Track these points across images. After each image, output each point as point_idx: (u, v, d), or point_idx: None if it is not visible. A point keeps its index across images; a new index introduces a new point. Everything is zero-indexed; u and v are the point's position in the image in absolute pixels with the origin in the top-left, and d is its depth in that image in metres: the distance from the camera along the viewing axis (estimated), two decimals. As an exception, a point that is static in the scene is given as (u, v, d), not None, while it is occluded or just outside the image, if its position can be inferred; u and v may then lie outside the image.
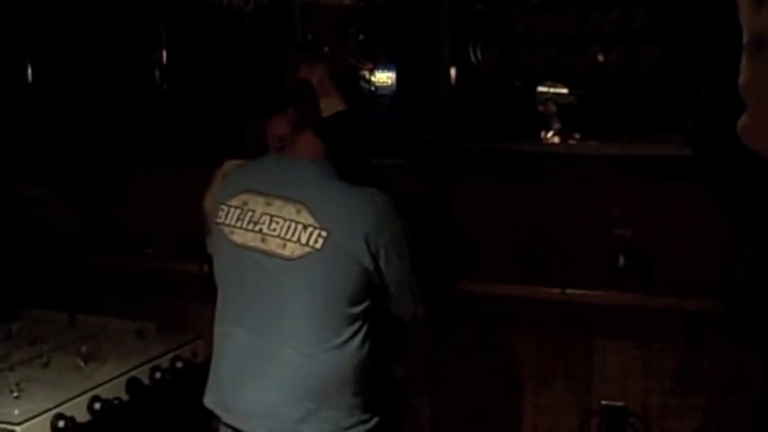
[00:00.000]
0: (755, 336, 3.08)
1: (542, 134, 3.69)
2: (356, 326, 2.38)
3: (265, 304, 2.37)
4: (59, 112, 4.10)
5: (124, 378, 3.03)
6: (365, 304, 2.38)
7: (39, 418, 2.65)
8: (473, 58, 3.73)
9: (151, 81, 4.08)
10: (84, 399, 2.84)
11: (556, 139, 3.64)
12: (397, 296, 2.43)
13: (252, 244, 2.38)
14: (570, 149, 3.57)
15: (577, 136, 3.63)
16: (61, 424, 2.69)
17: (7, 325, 3.43)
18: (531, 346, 3.45)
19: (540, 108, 3.68)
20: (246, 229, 2.39)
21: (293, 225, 2.32)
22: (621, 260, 3.31)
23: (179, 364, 3.25)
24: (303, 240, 2.31)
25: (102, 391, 2.91)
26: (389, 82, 3.83)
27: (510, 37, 3.67)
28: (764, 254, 3.11)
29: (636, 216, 3.34)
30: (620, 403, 3.36)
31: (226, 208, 2.46)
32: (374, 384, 2.46)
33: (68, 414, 2.72)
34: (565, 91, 3.70)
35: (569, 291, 3.22)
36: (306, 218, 2.31)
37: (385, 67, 3.83)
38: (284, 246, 2.33)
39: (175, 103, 4.02)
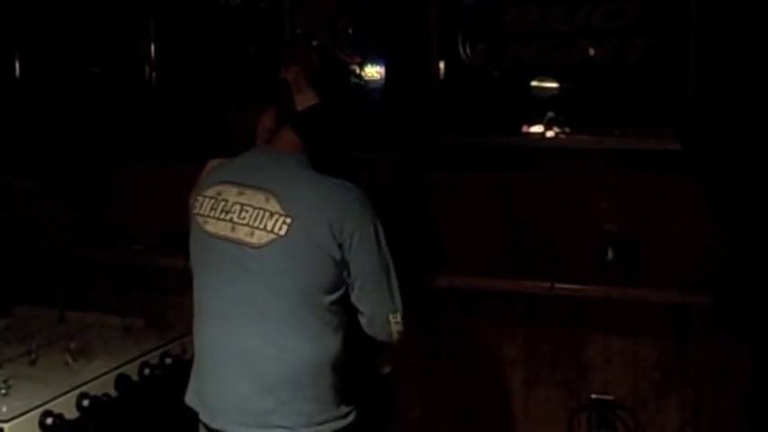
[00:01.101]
0: (743, 329, 3.09)
1: (531, 128, 3.71)
2: (329, 316, 2.36)
3: (234, 294, 2.37)
4: (48, 107, 4.08)
5: (113, 374, 3.01)
6: (336, 295, 2.36)
7: (27, 416, 2.64)
8: (462, 53, 3.73)
9: (140, 76, 4.07)
10: (73, 395, 2.82)
11: (547, 133, 3.64)
12: (364, 294, 2.38)
13: (222, 233, 2.38)
14: (559, 143, 3.58)
15: (567, 130, 3.63)
16: (49, 421, 2.67)
17: (-5, 322, 3.43)
18: (520, 341, 3.46)
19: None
20: (218, 219, 2.40)
21: (261, 213, 2.34)
22: (610, 254, 3.32)
23: (168, 360, 3.23)
24: (269, 227, 2.32)
25: (91, 388, 2.90)
26: (378, 76, 3.83)
27: (498, 31, 3.68)
28: (752, 247, 3.12)
29: (624, 210, 3.35)
30: (610, 397, 3.37)
31: (201, 198, 2.47)
32: (352, 378, 2.45)
33: (57, 411, 2.71)
34: (556, 85, 3.71)
35: (558, 285, 3.22)
36: (273, 205, 2.33)
37: (374, 61, 3.82)
38: (252, 234, 2.33)
39: (164, 98, 4.01)
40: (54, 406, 2.72)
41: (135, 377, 3.09)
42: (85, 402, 2.84)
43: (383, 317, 2.40)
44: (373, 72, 3.84)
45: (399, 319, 2.42)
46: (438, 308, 3.40)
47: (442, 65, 3.72)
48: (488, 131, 3.67)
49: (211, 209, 2.42)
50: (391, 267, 2.41)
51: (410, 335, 2.48)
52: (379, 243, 2.38)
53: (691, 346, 3.27)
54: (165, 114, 4.00)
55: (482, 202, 3.46)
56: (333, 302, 2.36)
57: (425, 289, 3.31)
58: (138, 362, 3.14)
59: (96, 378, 2.95)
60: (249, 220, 2.35)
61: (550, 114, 3.66)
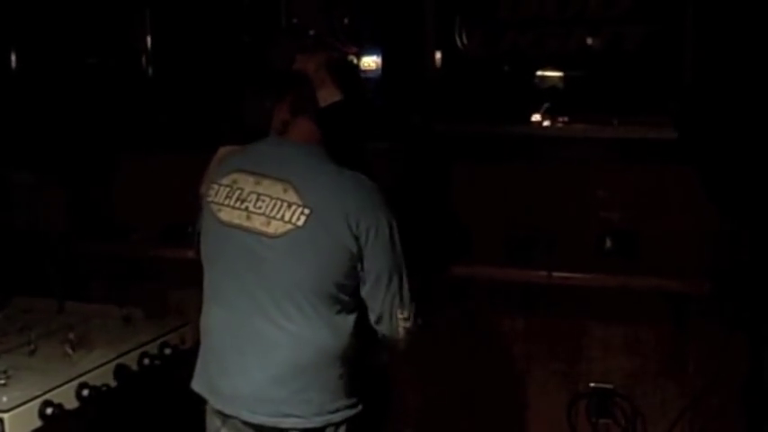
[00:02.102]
0: (741, 317, 3.10)
1: (529, 117, 3.71)
2: (343, 307, 2.37)
3: (248, 282, 2.37)
4: (45, 98, 4.07)
5: (112, 365, 3.00)
6: (351, 286, 2.37)
7: (26, 406, 2.64)
8: (458, 42, 3.74)
9: (137, 67, 4.07)
10: (73, 386, 2.81)
11: (543, 122, 3.65)
12: (376, 290, 2.38)
13: (237, 221, 2.38)
14: (557, 132, 3.58)
15: (564, 119, 3.64)
16: (49, 411, 2.67)
17: (-5, 312, 3.43)
18: (518, 329, 3.47)
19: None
20: (233, 207, 2.39)
21: (278, 203, 2.33)
22: (608, 243, 3.33)
23: (167, 351, 3.23)
24: (286, 218, 2.31)
25: (91, 378, 2.89)
26: (375, 66, 3.82)
27: (494, 20, 3.68)
28: (749, 235, 3.13)
29: (622, 199, 3.36)
30: (608, 385, 3.38)
31: (216, 186, 2.46)
32: (360, 369, 2.46)
33: (56, 401, 2.70)
34: (560, 74, 3.72)
35: (556, 273, 3.23)
36: (291, 196, 2.32)
37: (370, 51, 3.82)
38: (268, 223, 2.33)
39: (161, 88, 4.00)
40: (54, 396, 2.72)
41: (134, 367, 3.09)
42: (85, 392, 2.83)
43: (392, 313, 2.40)
44: (370, 62, 3.84)
45: (408, 316, 2.42)
46: (436, 296, 3.40)
47: (438, 54, 3.71)
48: (486, 120, 3.67)
49: (226, 197, 2.42)
50: (404, 265, 2.40)
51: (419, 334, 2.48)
52: (393, 240, 2.37)
53: (689, 334, 3.28)
54: (162, 104, 3.99)
55: (480, 191, 3.47)
56: (347, 294, 2.36)
57: (423, 277, 3.31)
58: (137, 352, 3.13)
59: (96, 368, 2.95)
60: (266, 209, 2.34)
61: (546, 105, 3.67)
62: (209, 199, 2.46)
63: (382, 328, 2.43)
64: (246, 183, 2.40)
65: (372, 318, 2.42)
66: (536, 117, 3.69)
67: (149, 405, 3.06)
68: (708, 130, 3.29)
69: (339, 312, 2.36)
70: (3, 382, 2.75)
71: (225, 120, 2.86)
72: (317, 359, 2.34)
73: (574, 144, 3.50)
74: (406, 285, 2.41)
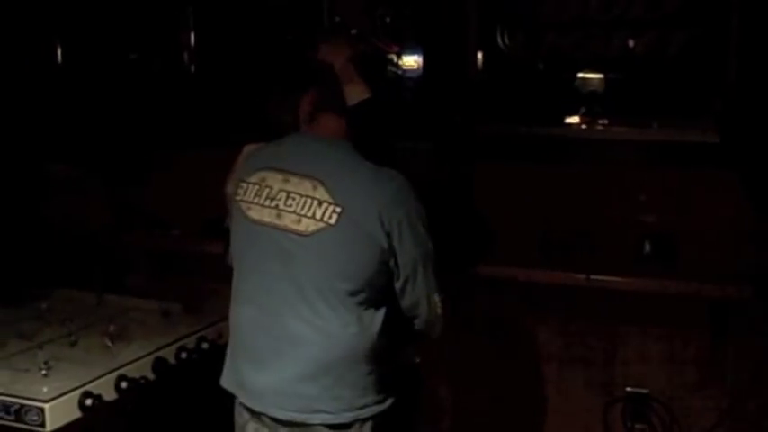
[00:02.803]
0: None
1: (568, 119, 3.70)
2: (374, 304, 2.38)
3: (279, 280, 2.37)
4: (89, 93, 4.12)
5: (150, 357, 3.05)
6: (382, 283, 2.38)
7: (67, 396, 2.68)
8: (500, 42, 3.73)
9: (179, 63, 4.10)
10: (112, 377, 2.86)
11: (583, 125, 3.63)
12: (411, 280, 2.40)
13: (267, 220, 2.38)
14: (598, 135, 3.56)
15: (605, 121, 3.62)
16: (89, 402, 2.71)
17: (37, 304, 3.47)
18: (555, 332, 3.45)
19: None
20: (263, 205, 2.40)
21: (309, 201, 2.33)
22: (647, 247, 3.30)
23: (204, 345, 3.27)
24: (318, 216, 2.31)
25: (129, 370, 2.94)
26: (416, 65, 3.82)
27: (537, 21, 3.66)
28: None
29: (662, 202, 3.33)
30: (644, 390, 3.35)
31: (245, 185, 2.47)
32: (389, 366, 2.46)
33: (96, 392, 2.75)
34: (599, 76, 3.69)
35: (594, 277, 3.21)
36: (322, 194, 2.32)
37: (412, 50, 3.82)
38: (299, 221, 2.33)
39: (202, 85, 4.03)
40: (93, 387, 2.76)
41: (172, 360, 3.13)
42: (123, 384, 2.88)
43: (429, 296, 2.42)
44: (411, 61, 3.84)
45: (438, 300, 2.45)
46: (474, 298, 3.40)
47: (479, 55, 3.70)
48: (526, 122, 3.66)
49: (255, 195, 2.42)
50: (432, 252, 2.42)
51: (448, 325, 2.49)
52: (424, 231, 2.38)
53: (727, 340, 3.24)
54: (203, 101, 4.02)
55: (519, 193, 3.45)
56: (377, 290, 2.37)
57: (462, 279, 3.31)
58: (174, 346, 3.17)
59: (134, 361, 2.99)
60: (296, 207, 2.34)
61: (583, 109, 3.65)
62: (238, 198, 2.46)
63: (420, 312, 2.45)
64: (275, 180, 2.40)
65: (407, 305, 2.43)
66: (575, 119, 3.67)
67: (186, 398, 3.09)
68: (751, 134, 3.26)
69: (368, 308, 2.37)
70: (44, 372, 2.80)
71: (255, 116, 2.85)
72: (346, 355, 2.34)
73: (614, 147, 3.48)
74: (435, 268, 2.43)
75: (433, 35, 3.72)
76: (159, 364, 3.06)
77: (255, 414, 2.45)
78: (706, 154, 3.28)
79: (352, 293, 2.33)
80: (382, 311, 2.40)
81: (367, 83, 2.67)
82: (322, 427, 2.36)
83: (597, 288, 3.23)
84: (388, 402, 2.45)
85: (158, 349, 3.11)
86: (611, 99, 3.60)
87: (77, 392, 2.71)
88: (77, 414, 2.70)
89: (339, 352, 2.34)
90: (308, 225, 2.32)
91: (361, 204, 2.31)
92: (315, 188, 2.33)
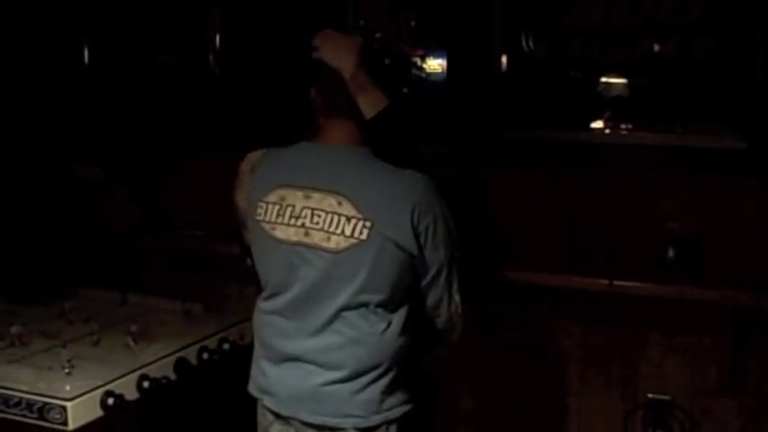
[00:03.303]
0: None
1: (592, 124, 3.68)
2: (404, 311, 2.39)
3: (310, 295, 2.36)
4: (115, 94, 4.15)
5: (172, 358, 3.08)
6: (408, 286, 2.38)
7: (89, 395, 2.71)
8: (525, 46, 3.71)
9: (204, 65, 4.12)
10: (134, 377, 2.89)
11: (606, 130, 3.61)
12: (434, 284, 2.41)
13: (295, 239, 2.35)
14: (622, 140, 3.54)
15: (629, 126, 3.60)
16: (111, 401, 2.74)
17: (61, 303, 3.51)
18: (577, 337, 3.43)
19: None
20: (288, 225, 2.36)
21: (336, 217, 2.30)
22: (671, 253, 3.27)
23: (226, 346, 3.29)
24: (348, 233, 2.29)
25: (151, 370, 2.97)
26: (440, 69, 3.82)
27: (562, 25, 3.65)
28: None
29: (687, 208, 3.30)
30: (667, 397, 3.33)
31: (264, 205, 2.42)
32: (413, 366, 2.47)
33: (118, 391, 2.78)
34: (624, 81, 3.67)
35: (617, 282, 3.19)
36: (348, 209, 2.29)
37: (436, 53, 3.81)
38: (329, 239, 2.30)
39: (228, 87, 4.05)
40: (115, 386, 2.80)
41: (194, 361, 3.16)
42: (146, 384, 2.91)
43: (451, 296, 2.44)
44: (435, 65, 3.84)
45: (459, 301, 2.46)
46: (494, 303, 3.39)
47: (504, 59, 3.69)
48: (550, 126, 3.65)
49: (278, 215, 2.38)
50: (458, 252, 2.43)
51: (469, 329, 2.49)
52: (450, 232, 2.38)
53: (750, 349, 3.21)
54: (229, 104, 4.03)
55: (542, 198, 3.44)
56: (404, 293, 2.38)
57: (483, 284, 3.30)
58: (196, 346, 3.20)
59: (156, 361, 3.03)
60: (323, 225, 2.31)
61: (608, 115, 3.64)
62: (259, 218, 2.43)
63: (441, 312, 2.46)
64: (296, 198, 2.36)
65: (430, 303, 2.44)
66: (599, 124, 3.66)
67: (208, 399, 3.11)
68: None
69: (401, 317, 2.38)
70: (67, 371, 2.83)
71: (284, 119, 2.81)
72: (375, 358, 2.36)
73: (638, 152, 3.45)
74: (458, 271, 2.44)
75: (458, 38, 3.71)
76: (181, 365, 3.09)
77: (282, 417, 2.47)
78: (732, 160, 3.25)
79: (385, 303, 2.34)
80: (407, 311, 2.40)
81: (383, 89, 2.43)
82: (353, 431, 2.37)
83: (620, 293, 3.21)
84: (411, 405, 2.46)
85: (180, 349, 3.14)
86: (636, 104, 3.58)
87: (100, 391, 2.74)
88: (99, 413, 2.73)
89: (369, 355, 2.35)
90: (338, 242, 2.30)
91: (389, 216, 2.29)
92: (339, 204, 2.31)
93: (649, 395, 3.35)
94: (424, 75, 3.84)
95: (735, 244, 3.21)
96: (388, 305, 2.36)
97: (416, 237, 2.30)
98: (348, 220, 2.29)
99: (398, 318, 2.39)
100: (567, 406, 3.51)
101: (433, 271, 2.39)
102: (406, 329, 2.40)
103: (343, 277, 2.32)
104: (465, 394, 3.63)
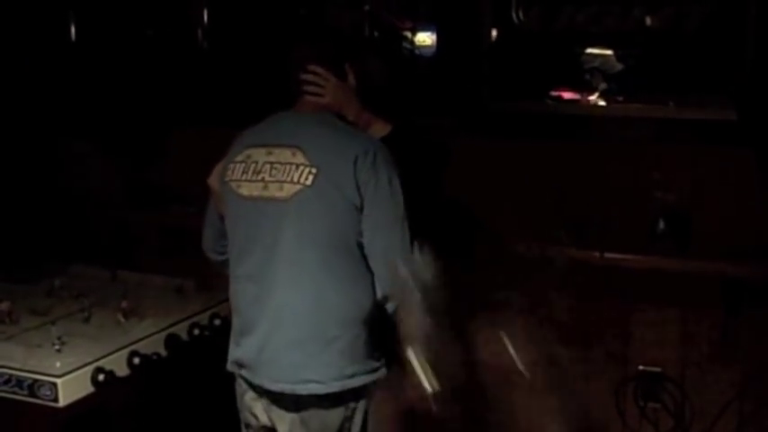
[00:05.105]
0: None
1: (584, 96, 3.67)
2: (358, 268, 2.40)
3: (269, 249, 2.43)
4: (103, 69, 4.12)
5: (163, 334, 3.08)
6: (359, 245, 2.40)
7: (79, 371, 2.71)
8: (515, 18, 3.70)
9: (192, 39, 4.08)
10: (124, 353, 2.89)
11: (599, 101, 3.60)
12: (374, 238, 2.41)
13: (256, 193, 2.45)
14: (613, 112, 3.53)
15: (620, 98, 3.58)
16: (101, 377, 2.74)
17: (50, 280, 3.50)
18: (567, 309, 3.43)
19: (587, 77, 3.64)
20: (251, 181, 2.46)
21: (288, 167, 2.40)
22: (662, 224, 3.27)
23: (217, 321, 3.29)
24: (295, 179, 2.38)
25: (142, 346, 2.97)
26: (430, 42, 3.80)
27: (551, -4, 3.63)
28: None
29: (678, 180, 3.29)
30: (657, 369, 3.33)
31: (232, 165, 2.54)
32: (377, 334, 2.46)
33: (108, 368, 2.78)
34: (610, 52, 3.65)
35: (608, 254, 3.19)
36: (299, 158, 2.39)
37: (425, 26, 3.79)
38: (281, 188, 2.40)
39: (216, 61, 4.02)
40: (106, 363, 2.79)
41: (184, 337, 3.15)
42: (136, 360, 2.90)
43: (390, 261, 2.42)
44: (425, 38, 3.81)
45: (406, 267, 2.41)
46: (485, 276, 3.38)
47: (494, 31, 3.67)
48: (541, 98, 3.63)
49: (243, 172, 2.49)
50: (404, 220, 2.44)
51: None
52: (393, 194, 2.42)
53: (741, 320, 3.21)
54: (217, 78, 4.01)
55: (533, 169, 3.42)
56: (360, 253, 2.41)
57: (472, 256, 3.30)
58: (187, 322, 3.20)
59: (147, 337, 3.03)
60: (278, 175, 2.41)
61: (604, 86, 3.62)
62: (227, 179, 2.53)
63: (381, 273, 2.44)
64: (259, 155, 2.46)
65: (375, 265, 2.44)
66: (591, 96, 3.64)
67: (198, 374, 3.11)
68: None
69: (355, 274, 2.41)
70: (57, 347, 2.83)
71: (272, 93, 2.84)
72: (334, 322, 2.38)
73: (629, 124, 3.44)
74: (407, 235, 2.43)
75: (447, 10, 3.68)
76: (172, 341, 3.08)
77: (252, 385, 2.48)
78: (722, 131, 3.24)
79: (336, 255, 2.38)
80: (365, 276, 2.40)
81: (382, 117, 2.69)
82: (313, 399, 2.37)
83: (611, 266, 3.21)
84: (380, 372, 2.46)
85: (171, 326, 3.14)
86: (627, 76, 3.57)
87: (90, 368, 2.74)
88: (90, 389, 2.73)
89: (325, 318, 2.38)
90: (288, 189, 2.39)
91: (334, 163, 2.38)
92: (294, 154, 2.40)
93: (640, 367, 3.36)
94: (413, 48, 3.82)
95: (725, 215, 3.21)
96: (345, 263, 2.38)
97: (358, 187, 2.36)
98: (297, 167, 2.39)
99: (356, 281, 2.40)
100: (559, 378, 3.50)
101: (370, 224, 2.40)
102: (364, 294, 2.40)
103: (294, 225, 2.39)
104: (452, 363, 3.59)
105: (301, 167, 2.38)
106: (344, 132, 2.49)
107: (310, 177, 2.36)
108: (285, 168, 2.40)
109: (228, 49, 4.02)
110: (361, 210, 2.38)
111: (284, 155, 2.42)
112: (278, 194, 2.40)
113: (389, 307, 2.46)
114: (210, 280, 3.60)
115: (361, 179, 2.37)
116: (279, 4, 3.90)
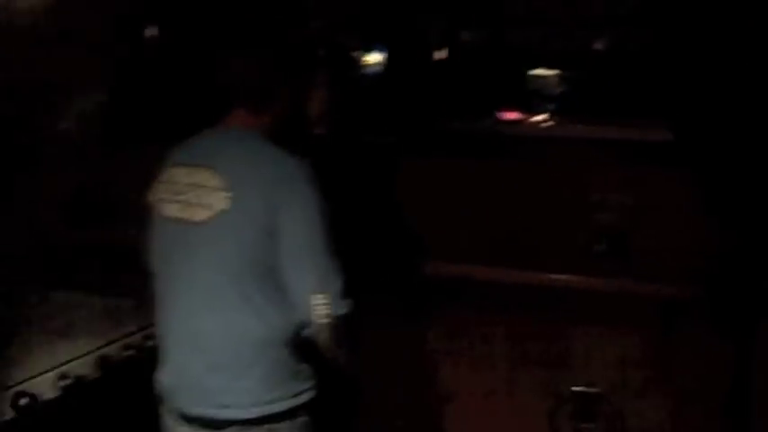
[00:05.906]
0: (731, 324, 3.05)
1: (529, 116, 3.68)
2: (271, 292, 2.35)
3: (184, 274, 2.40)
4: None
5: (95, 355, 3.03)
6: (276, 270, 2.35)
7: (-2, 396, 2.66)
8: (462, 38, 3.71)
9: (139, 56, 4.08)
10: (52, 375, 2.84)
11: (541, 122, 3.62)
12: (291, 268, 2.33)
13: (175, 215, 2.41)
14: (551, 132, 3.55)
15: (561, 119, 3.60)
16: (23, 401, 2.69)
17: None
18: (502, 331, 3.41)
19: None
20: (171, 201, 2.42)
21: (205, 190, 2.35)
22: (599, 245, 3.28)
23: (150, 343, 3.24)
24: (211, 204, 2.33)
25: (72, 368, 2.92)
26: (376, 61, 3.81)
27: (499, 17, 3.65)
28: (744, 242, 3.09)
29: (615, 201, 3.29)
30: (594, 389, 3.32)
31: (157, 185, 2.50)
32: (300, 359, 2.43)
33: (31, 391, 2.73)
34: (555, 73, 3.67)
35: (543, 275, 3.19)
36: (215, 181, 2.34)
37: (375, 46, 3.80)
38: (198, 212, 2.36)
39: (162, 76, 4.01)
40: (28, 386, 2.74)
41: (117, 358, 3.11)
42: (64, 383, 2.85)
43: (305, 297, 2.34)
44: (373, 59, 3.83)
45: (327, 301, 2.33)
46: (420, 296, 3.37)
47: (441, 51, 3.69)
48: (484, 118, 3.65)
49: (164, 192, 2.45)
50: (324, 248, 2.34)
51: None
52: (310, 220, 2.34)
53: (677, 340, 3.21)
54: (166, 93, 4.00)
55: (471, 189, 3.42)
56: (274, 278, 2.35)
57: (408, 277, 3.29)
58: (120, 343, 3.15)
59: (77, 358, 2.97)
60: (195, 199, 2.37)
61: (551, 106, 3.64)
62: (151, 199, 2.49)
63: (299, 313, 2.37)
64: (180, 175, 2.42)
65: (292, 292, 2.36)
66: (538, 118, 3.66)
67: (131, 396, 3.06)
68: (705, 133, 3.25)
69: (269, 298, 2.36)
70: (-22, 370, 2.77)
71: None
72: (248, 346, 2.35)
73: (570, 144, 3.46)
74: (326, 266, 2.34)
75: (396, 31, 3.70)
76: (104, 362, 3.04)
77: (172, 409, 2.48)
78: (660, 152, 3.26)
79: (249, 280, 2.33)
80: (284, 300, 2.36)
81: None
82: (235, 425, 2.35)
83: (547, 286, 3.20)
84: (305, 397, 2.43)
85: (103, 346, 3.09)
86: (569, 96, 3.59)
87: (10, 393, 2.68)
88: (11, 414, 2.67)
89: (240, 342, 2.35)
90: (203, 214, 2.34)
91: (247, 185, 2.32)
92: (212, 176, 2.35)
93: (575, 388, 3.35)
94: (362, 67, 3.83)
95: (663, 236, 3.21)
96: (258, 287, 2.34)
97: (273, 212, 2.30)
98: (213, 190, 2.33)
99: (275, 307, 2.36)
100: (495, 401, 3.48)
101: (288, 254, 2.33)
102: (285, 320, 2.37)
103: (209, 250, 2.34)
104: (389, 392, 3.55)
105: (217, 191, 2.33)
106: (266, 154, 2.40)
107: (225, 202, 2.32)
108: (202, 191, 2.36)
109: (179, 64, 4.01)
110: (274, 230, 2.33)
111: (202, 176, 2.37)
112: (195, 218, 2.36)
113: (306, 333, 2.43)
114: (148, 300, 3.57)
115: (275, 204, 2.31)
116: (225, 20, 3.90)
